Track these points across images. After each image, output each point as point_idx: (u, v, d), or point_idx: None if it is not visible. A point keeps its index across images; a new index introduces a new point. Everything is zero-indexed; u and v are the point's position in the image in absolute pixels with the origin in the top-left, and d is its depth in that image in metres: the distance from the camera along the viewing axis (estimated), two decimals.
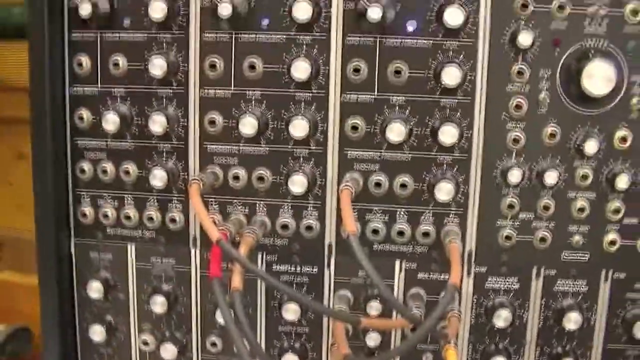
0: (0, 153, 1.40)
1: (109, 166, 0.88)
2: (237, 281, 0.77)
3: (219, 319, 0.89)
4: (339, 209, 0.86)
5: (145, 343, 0.92)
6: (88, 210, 0.89)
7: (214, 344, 0.91)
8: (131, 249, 0.90)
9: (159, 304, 0.89)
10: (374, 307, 0.87)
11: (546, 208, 0.84)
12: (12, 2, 1.30)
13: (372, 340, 0.88)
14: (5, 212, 1.41)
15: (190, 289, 0.90)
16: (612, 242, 0.84)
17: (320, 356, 0.91)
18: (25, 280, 1.37)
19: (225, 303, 0.75)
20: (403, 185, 0.84)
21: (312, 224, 0.87)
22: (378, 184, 0.84)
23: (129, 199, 0.89)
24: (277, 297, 0.89)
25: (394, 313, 0.88)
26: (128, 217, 0.89)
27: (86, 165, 0.88)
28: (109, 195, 0.89)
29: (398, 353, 0.88)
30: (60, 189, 0.88)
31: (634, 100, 0.81)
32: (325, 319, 0.90)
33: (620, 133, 0.81)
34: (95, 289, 0.90)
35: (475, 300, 0.87)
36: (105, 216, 0.89)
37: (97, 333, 0.91)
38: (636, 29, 0.80)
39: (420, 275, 0.87)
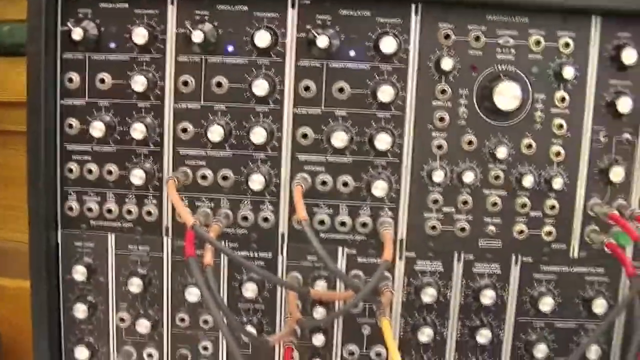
0: None
1: (94, 167, 0.92)
2: (208, 258, 0.80)
3: (188, 297, 0.93)
4: (291, 204, 0.91)
5: (122, 320, 0.95)
6: (74, 205, 0.93)
7: (182, 320, 0.95)
8: (111, 238, 0.94)
9: (135, 285, 0.93)
10: (320, 285, 0.92)
11: (465, 203, 0.90)
12: None
13: (319, 314, 0.92)
14: None
15: (163, 272, 0.94)
16: (521, 232, 0.91)
17: (274, 329, 0.95)
18: None
19: (200, 276, 0.78)
20: (345, 184, 0.90)
21: (268, 216, 0.92)
22: (324, 183, 0.90)
23: (111, 195, 0.93)
24: (237, 279, 0.93)
25: (337, 286, 0.93)
26: (109, 211, 0.92)
27: (73, 166, 0.92)
28: (93, 192, 0.93)
29: (341, 313, 0.93)
30: (50, 187, 0.92)
31: (537, 114, 0.88)
32: (278, 298, 0.94)
33: (526, 141, 0.89)
34: (79, 272, 0.93)
35: (406, 280, 0.93)
36: (90, 210, 0.93)
37: (80, 311, 0.94)
38: (538, 56, 0.87)
39: (360, 260, 0.93)
